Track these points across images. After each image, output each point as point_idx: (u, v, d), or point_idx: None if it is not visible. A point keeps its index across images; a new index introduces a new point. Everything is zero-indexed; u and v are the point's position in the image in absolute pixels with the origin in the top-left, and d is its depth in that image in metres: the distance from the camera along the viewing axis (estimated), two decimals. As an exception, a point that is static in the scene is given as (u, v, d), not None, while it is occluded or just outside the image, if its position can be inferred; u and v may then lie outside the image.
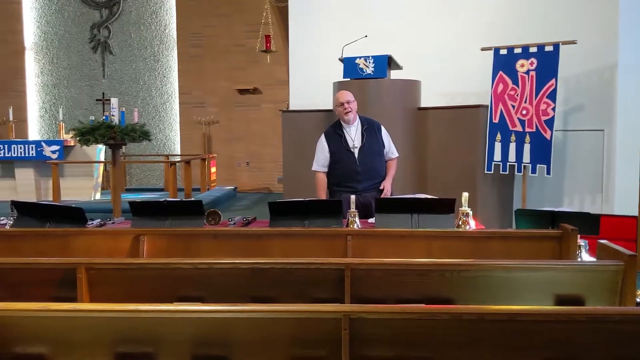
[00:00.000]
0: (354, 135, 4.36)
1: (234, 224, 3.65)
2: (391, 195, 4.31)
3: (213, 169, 11.98)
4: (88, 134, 6.29)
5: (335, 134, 4.40)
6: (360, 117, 4.45)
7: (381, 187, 4.36)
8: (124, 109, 6.67)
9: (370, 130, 4.38)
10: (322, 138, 4.45)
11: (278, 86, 12.31)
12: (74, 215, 3.49)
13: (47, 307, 1.86)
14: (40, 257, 3.08)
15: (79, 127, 6.46)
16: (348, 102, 4.33)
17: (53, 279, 2.54)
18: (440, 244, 3.17)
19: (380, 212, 3.47)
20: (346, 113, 4.32)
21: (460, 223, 3.41)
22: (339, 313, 1.79)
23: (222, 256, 3.16)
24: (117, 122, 6.35)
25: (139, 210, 3.49)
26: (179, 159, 11.70)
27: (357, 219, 3.49)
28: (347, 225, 3.46)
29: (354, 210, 3.52)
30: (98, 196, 10.18)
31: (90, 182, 9.96)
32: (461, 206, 3.43)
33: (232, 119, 13.01)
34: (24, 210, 3.61)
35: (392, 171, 4.48)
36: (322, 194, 4.44)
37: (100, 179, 10.43)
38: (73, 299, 2.47)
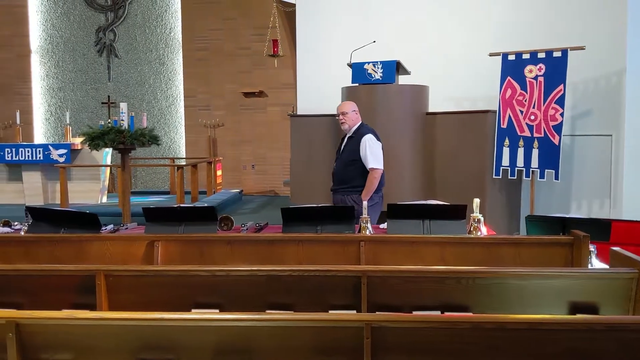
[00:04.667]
0: (344, 142, 4.72)
1: (247, 229, 3.68)
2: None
3: (219, 172, 12.00)
4: (98, 139, 6.32)
5: (341, 139, 4.83)
6: (358, 126, 4.66)
7: None
8: (133, 114, 6.70)
9: (353, 139, 4.63)
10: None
11: (284, 89, 12.35)
12: (89, 221, 3.52)
13: (73, 315, 1.89)
14: (56, 262, 3.12)
15: (89, 132, 6.49)
16: (343, 114, 4.64)
17: (71, 286, 2.56)
18: (452, 250, 3.19)
19: (392, 217, 3.49)
20: (341, 124, 4.67)
21: (471, 229, 3.43)
22: (360, 322, 1.81)
23: (236, 262, 3.19)
24: (127, 127, 6.38)
25: (152, 215, 3.53)
26: (185, 162, 11.73)
27: (369, 225, 3.52)
28: (359, 231, 3.49)
29: (366, 216, 3.55)
30: (105, 199, 10.22)
31: (97, 186, 10.00)
32: (472, 212, 3.46)
33: (238, 122, 13.04)
34: (39, 215, 3.64)
35: (367, 186, 4.52)
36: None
37: (107, 182, 10.46)
38: (92, 306, 2.50)
